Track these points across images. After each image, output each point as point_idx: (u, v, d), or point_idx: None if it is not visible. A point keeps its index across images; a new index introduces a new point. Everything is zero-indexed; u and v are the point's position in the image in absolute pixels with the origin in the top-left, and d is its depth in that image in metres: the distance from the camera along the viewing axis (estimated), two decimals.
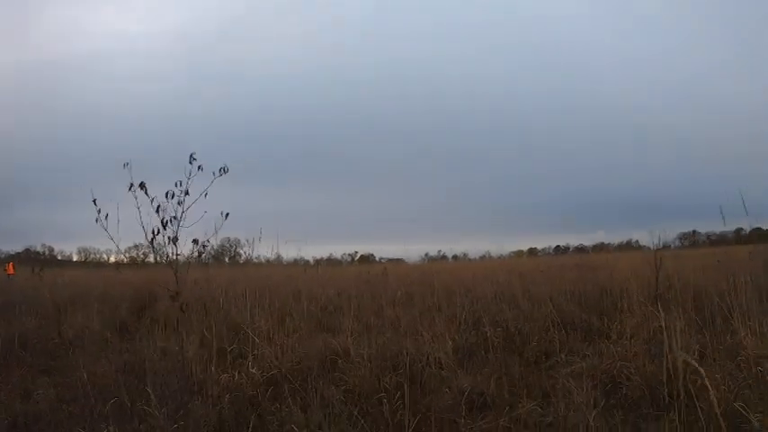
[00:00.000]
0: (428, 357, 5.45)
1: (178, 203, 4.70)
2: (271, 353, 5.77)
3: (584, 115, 65.55)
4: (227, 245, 29.42)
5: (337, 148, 58.03)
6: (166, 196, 4.61)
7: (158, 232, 4.64)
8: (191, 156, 4.70)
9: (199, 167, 4.69)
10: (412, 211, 55.70)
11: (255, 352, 5.80)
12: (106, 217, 4.57)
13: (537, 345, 6.31)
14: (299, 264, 20.44)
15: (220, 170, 4.73)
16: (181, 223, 4.76)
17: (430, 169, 61.38)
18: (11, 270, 14.73)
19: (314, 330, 6.56)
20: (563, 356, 5.83)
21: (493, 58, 69.57)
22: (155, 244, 4.73)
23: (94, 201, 4.53)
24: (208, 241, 4.94)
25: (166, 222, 4.63)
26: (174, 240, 4.78)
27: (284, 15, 70.71)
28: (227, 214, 4.77)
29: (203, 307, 6.42)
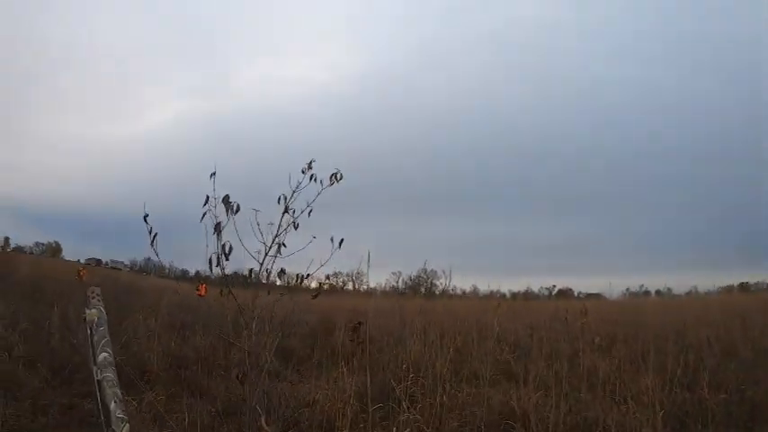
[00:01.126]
0: None
1: (294, 225, 3.95)
2: (426, 414, 4.78)
3: None
4: (424, 276, 30.00)
5: (542, 179, 55.48)
6: (228, 209, 3.70)
7: (218, 263, 3.85)
8: (308, 163, 3.94)
9: (312, 177, 3.93)
10: (612, 243, 51.21)
11: (409, 413, 4.73)
12: (155, 236, 3.56)
13: None
14: (494, 296, 20.02)
15: (332, 177, 3.94)
16: (278, 250, 4.05)
17: (632, 199, 55.65)
18: (202, 291, 16.22)
19: (494, 378, 5.95)
20: None
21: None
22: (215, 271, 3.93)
23: (145, 217, 3.51)
24: (335, 274, 4.12)
25: (230, 249, 3.82)
26: (280, 274, 4.12)
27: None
28: (342, 240, 3.87)
29: (375, 343, 6.00)
